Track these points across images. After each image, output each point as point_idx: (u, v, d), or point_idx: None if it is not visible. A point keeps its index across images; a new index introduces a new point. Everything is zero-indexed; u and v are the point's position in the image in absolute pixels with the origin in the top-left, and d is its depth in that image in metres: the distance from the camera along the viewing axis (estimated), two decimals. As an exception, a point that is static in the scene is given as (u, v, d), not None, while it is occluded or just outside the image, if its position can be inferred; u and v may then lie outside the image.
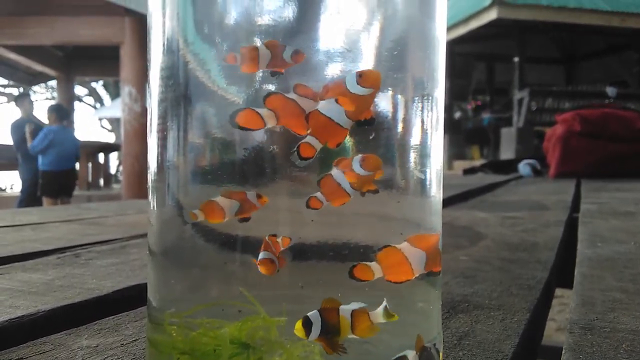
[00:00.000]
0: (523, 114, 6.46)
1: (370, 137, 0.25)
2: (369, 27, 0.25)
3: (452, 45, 7.54)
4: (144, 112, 5.42)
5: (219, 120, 0.26)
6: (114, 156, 11.15)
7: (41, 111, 5.14)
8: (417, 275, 0.26)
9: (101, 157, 8.84)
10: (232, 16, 0.25)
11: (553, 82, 8.92)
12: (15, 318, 0.41)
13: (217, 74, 0.26)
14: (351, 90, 0.24)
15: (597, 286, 0.51)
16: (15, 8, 6.23)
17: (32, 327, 0.41)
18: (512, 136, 6.20)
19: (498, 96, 9.28)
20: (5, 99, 15.59)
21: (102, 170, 8.91)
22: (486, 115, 8.23)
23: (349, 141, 0.25)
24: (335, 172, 0.25)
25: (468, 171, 4.00)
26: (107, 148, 9.14)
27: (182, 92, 0.26)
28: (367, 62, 0.25)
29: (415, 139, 0.27)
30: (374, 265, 0.25)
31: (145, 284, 0.29)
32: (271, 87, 0.25)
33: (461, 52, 8.32)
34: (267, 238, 0.25)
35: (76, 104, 12.20)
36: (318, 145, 0.24)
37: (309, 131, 0.24)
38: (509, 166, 3.74)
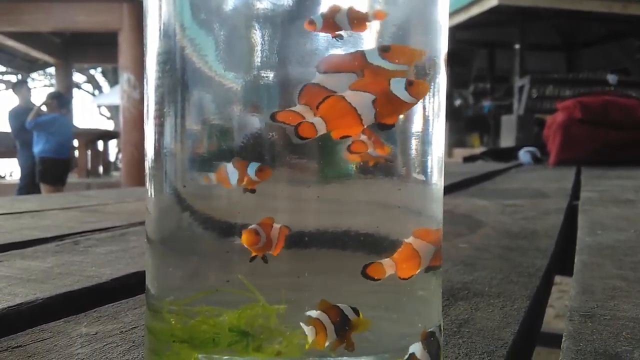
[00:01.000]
0: (523, 101, 6.44)
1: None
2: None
3: (453, 32, 7.49)
4: (142, 99, 5.38)
5: (216, 107, 0.26)
6: (113, 144, 11.12)
7: (39, 98, 5.12)
8: (423, 269, 0.26)
9: (100, 144, 8.82)
10: (229, 0, 0.25)
11: (554, 69, 8.88)
12: (14, 305, 0.41)
13: (214, 60, 0.25)
14: (373, 62, 0.23)
15: (597, 274, 0.51)
16: (12, -6, 6.18)
17: (31, 314, 0.41)
18: (512, 124, 6.18)
19: (499, 83, 9.25)
20: (3, 86, 15.54)
21: (101, 157, 8.89)
22: (486, 103, 8.20)
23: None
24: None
25: (468, 159, 3.99)
26: (106, 135, 9.12)
27: (178, 78, 0.26)
28: (368, 47, 0.25)
29: (417, 126, 0.26)
30: (386, 262, 0.25)
31: (144, 271, 0.29)
32: (270, 74, 0.25)
33: (462, 39, 8.26)
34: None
35: (75, 91, 12.14)
36: (322, 129, 0.23)
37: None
38: (509, 154, 3.73)
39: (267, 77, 0.24)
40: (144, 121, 0.28)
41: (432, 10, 0.27)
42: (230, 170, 0.24)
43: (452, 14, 7.10)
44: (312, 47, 0.24)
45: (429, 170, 0.28)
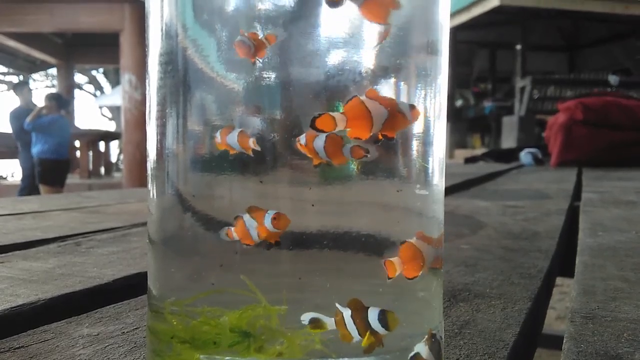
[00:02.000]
0: (525, 102, 6.44)
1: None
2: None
3: (454, 32, 7.49)
4: (144, 100, 5.39)
5: (218, 107, 0.26)
6: (114, 144, 11.14)
7: (41, 99, 5.10)
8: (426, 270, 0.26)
9: (102, 145, 8.83)
10: (232, 1, 0.25)
11: (555, 70, 8.87)
12: (16, 306, 0.41)
13: (216, 61, 0.25)
14: None
15: (598, 275, 0.51)
16: (14, -6, 6.19)
17: (33, 315, 0.41)
18: (513, 125, 6.19)
19: (500, 84, 9.24)
20: (4, 87, 15.56)
21: (102, 158, 8.90)
22: (488, 104, 8.19)
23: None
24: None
25: (469, 160, 3.99)
26: (108, 136, 9.13)
27: (180, 79, 0.26)
28: (369, 48, 0.25)
29: (417, 127, 0.27)
30: (396, 260, 0.25)
31: (146, 272, 0.29)
32: (271, 75, 0.25)
33: (463, 39, 8.26)
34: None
35: (76, 92, 12.16)
36: (342, 124, 0.24)
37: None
38: (511, 155, 3.73)
39: (268, 78, 0.24)
40: (146, 122, 0.29)
41: (434, 11, 0.27)
42: (248, 221, 0.24)
43: (454, 14, 7.10)
44: (313, 47, 0.24)
45: (430, 171, 0.28)
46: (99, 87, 16.77)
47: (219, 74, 0.25)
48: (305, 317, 0.24)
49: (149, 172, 0.28)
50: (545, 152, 3.30)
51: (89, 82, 16.82)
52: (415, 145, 0.26)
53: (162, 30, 0.27)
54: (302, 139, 0.24)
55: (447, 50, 0.29)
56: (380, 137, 0.25)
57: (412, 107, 0.25)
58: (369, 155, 0.24)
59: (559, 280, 0.89)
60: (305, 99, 0.25)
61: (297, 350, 0.25)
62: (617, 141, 2.90)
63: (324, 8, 0.24)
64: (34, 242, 0.67)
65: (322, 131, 0.24)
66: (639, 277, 0.51)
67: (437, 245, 0.27)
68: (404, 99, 0.26)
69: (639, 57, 7.98)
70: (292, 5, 0.24)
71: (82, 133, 7.79)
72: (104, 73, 16.18)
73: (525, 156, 3.34)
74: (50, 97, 5.04)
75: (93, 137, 8.07)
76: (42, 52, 8.35)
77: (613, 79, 5.66)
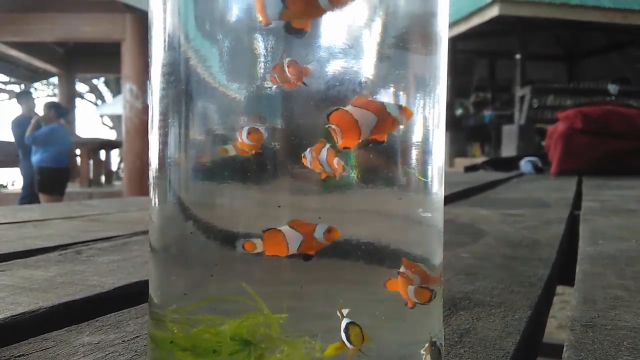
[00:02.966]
0: (525, 111, 6.45)
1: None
2: (371, 23, 0.25)
3: (454, 42, 7.53)
4: (145, 109, 5.42)
5: (220, 117, 0.26)
6: (115, 153, 11.15)
7: (41, 108, 5.11)
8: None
9: (102, 154, 8.84)
10: (234, 12, 0.25)
11: (555, 79, 8.90)
12: (17, 314, 0.41)
13: (218, 71, 0.26)
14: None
15: (598, 284, 0.51)
16: (17, 5, 6.23)
17: (34, 323, 0.41)
18: (513, 133, 6.19)
19: (500, 93, 9.26)
20: (6, 96, 15.60)
21: (103, 167, 8.90)
22: (488, 113, 8.21)
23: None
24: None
25: (469, 168, 4.00)
26: (109, 145, 9.14)
27: (183, 89, 0.26)
28: (369, 58, 0.25)
29: (417, 136, 0.27)
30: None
31: (147, 280, 0.29)
32: (273, 85, 0.25)
33: (463, 49, 8.30)
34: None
35: (77, 100, 12.19)
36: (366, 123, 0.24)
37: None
38: (511, 163, 3.73)
39: (270, 87, 0.25)
40: (149, 131, 0.29)
41: (432, 22, 0.28)
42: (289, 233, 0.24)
43: (453, 24, 7.14)
44: (314, 57, 0.25)
45: (429, 179, 0.28)
46: (100, 96, 16.82)
47: (221, 84, 0.26)
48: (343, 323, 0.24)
49: (151, 180, 0.29)
50: (545, 161, 3.31)
51: (90, 91, 16.87)
52: (414, 153, 0.27)
53: (164, 40, 0.27)
54: (308, 154, 0.24)
55: (446, 59, 0.29)
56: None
57: (400, 107, 0.25)
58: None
59: (560, 289, 0.89)
60: (306, 108, 0.25)
61: (297, 359, 0.25)
62: (616, 150, 2.90)
63: (325, 18, 0.25)
64: (35, 250, 0.67)
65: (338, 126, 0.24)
66: (638, 285, 0.51)
67: (427, 274, 0.27)
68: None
69: (638, 66, 8.01)
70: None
71: (83, 142, 7.80)
72: (105, 82, 16.23)
73: (525, 165, 3.34)
74: (49, 106, 5.04)
75: (94, 146, 8.09)
76: (43, 61, 8.39)
77: (612, 88, 5.68)
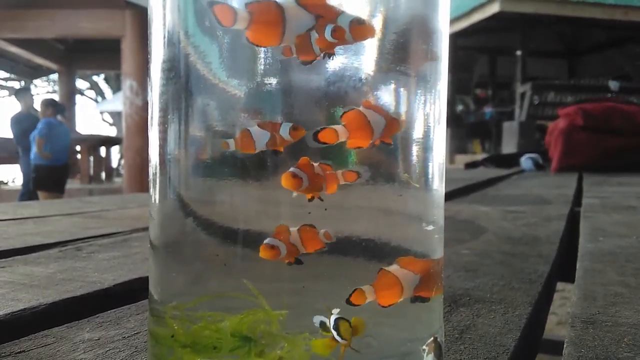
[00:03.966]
0: (525, 107, 6.44)
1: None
2: (371, 19, 0.25)
3: (454, 38, 7.51)
4: (145, 105, 5.42)
5: (220, 113, 0.26)
6: (115, 150, 11.15)
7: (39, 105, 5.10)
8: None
9: (103, 150, 8.84)
10: (233, 8, 0.25)
11: (556, 75, 8.89)
12: (17, 311, 0.41)
13: (218, 67, 0.26)
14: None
15: (598, 280, 0.51)
16: (16, 1, 6.22)
17: (34, 320, 0.41)
18: (514, 130, 6.19)
19: (500, 90, 9.25)
20: (6, 92, 15.60)
21: (103, 163, 8.91)
22: (488, 109, 8.20)
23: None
24: None
25: (470, 165, 3.99)
26: (109, 141, 9.15)
27: (183, 85, 0.26)
28: (369, 54, 0.25)
29: (417, 133, 0.27)
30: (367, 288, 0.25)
31: (147, 277, 0.29)
32: (274, 81, 0.25)
33: (463, 45, 8.28)
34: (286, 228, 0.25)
35: (77, 97, 12.18)
36: (343, 137, 0.24)
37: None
38: (511, 160, 3.73)
39: (270, 84, 0.25)
40: (149, 128, 0.29)
41: (433, 18, 0.28)
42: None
43: (454, 20, 7.12)
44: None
45: (430, 176, 0.28)
46: (100, 92, 16.81)
47: (221, 80, 0.26)
48: (316, 320, 0.24)
49: (151, 177, 0.28)
50: (545, 158, 3.31)
51: (90, 88, 16.87)
52: (415, 150, 0.27)
53: (164, 37, 0.27)
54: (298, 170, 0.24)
55: (447, 56, 0.29)
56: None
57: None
58: (361, 177, 0.25)
59: (560, 285, 0.89)
60: (306, 105, 0.25)
61: (297, 355, 0.25)
62: (617, 146, 2.90)
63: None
64: (35, 247, 0.67)
65: (325, 144, 0.24)
66: (639, 282, 0.51)
67: (427, 270, 0.27)
68: (403, 105, 0.26)
69: (638, 63, 8.00)
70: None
71: (83, 138, 7.81)
72: (105, 79, 16.22)
73: (525, 161, 3.34)
74: (46, 103, 5.02)
75: (94, 143, 8.09)
76: (43, 57, 8.38)
77: (613, 84, 5.67)
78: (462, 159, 6.07)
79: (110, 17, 6.22)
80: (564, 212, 1.07)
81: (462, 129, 8.15)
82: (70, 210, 1.09)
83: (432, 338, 0.27)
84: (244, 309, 0.25)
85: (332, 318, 0.24)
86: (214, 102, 0.26)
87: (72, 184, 6.41)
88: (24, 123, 4.97)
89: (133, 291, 0.49)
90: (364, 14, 0.25)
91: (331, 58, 0.24)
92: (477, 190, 1.69)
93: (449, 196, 1.41)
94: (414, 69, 0.27)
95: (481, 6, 6.85)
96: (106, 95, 16.31)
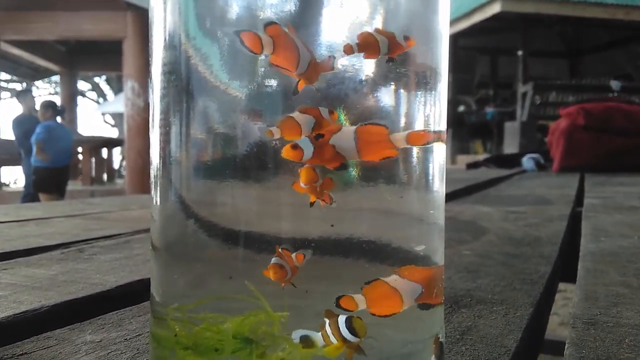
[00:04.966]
0: (527, 107, 6.44)
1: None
2: (372, 20, 0.25)
3: (455, 38, 7.51)
4: (146, 107, 5.43)
5: (221, 115, 0.26)
6: (117, 151, 11.16)
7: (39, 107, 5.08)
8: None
9: (104, 152, 8.85)
10: (234, 10, 0.25)
11: (557, 75, 8.88)
12: (19, 313, 0.41)
13: (219, 69, 0.26)
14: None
15: (600, 281, 0.51)
16: (18, 3, 6.23)
17: (36, 322, 0.41)
18: (515, 130, 6.19)
19: (502, 90, 9.24)
20: (8, 94, 15.62)
21: (105, 165, 8.92)
22: (490, 109, 8.19)
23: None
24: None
25: (471, 165, 3.99)
26: (111, 143, 9.16)
27: (184, 87, 0.26)
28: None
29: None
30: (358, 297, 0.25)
31: (149, 278, 0.30)
32: (274, 81, 0.25)
33: (465, 45, 8.28)
34: (279, 250, 0.25)
35: (79, 99, 12.19)
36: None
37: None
38: (513, 160, 3.72)
39: (271, 85, 0.25)
40: (150, 129, 0.29)
41: (433, 19, 0.28)
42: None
43: (454, 20, 7.12)
44: (315, 55, 0.25)
45: (430, 177, 0.28)
46: (101, 94, 16.84)
47: (222, 82, 0.26)
48: (296, 335, 0.24)
49: (153, 179, 0.29)
50: (547, 158, 3.30)
51: (92, 89, 16.89)
52: (415, 150, 0.27)
53: (165, 39, 0.27)
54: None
55: (447, 56, 0.29)
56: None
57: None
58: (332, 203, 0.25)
59: (562, 286, 0.89)
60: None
61: (299, 357, 0.25)
62: (619, 146, 2.90)
63: (325, 16, 0.25)
64: (37, 248, 0.67)
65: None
66: (641, 282, 0.51)
67: (427, 278, 0.27)
68: (403, 106, 0.26)
69: (640, 63, 7.99)
70: (294, 13, 0.24)
71: (84, 140, 7.82)
72: (107, 80, 16.25)
73: (527, 162, 3.34)
74: (46, 105, 5.00)
75: (95, 144, 8.10)
76: (45, 59, 8.40)
77: (615, 84, 5.66)
78: (463, 159, 6.07)
79: (111, 18, 6.23)
80: (565, 212, 1.07)
81: (463, 129, 8.14)
82: (72, 212, 1.09)
83: (435, 339, 0.27)
84: (245, 310, 0.25)
85: (341, 318, 0.24)
86: (215, 104, 0.26)
87: (74, 186, 6.42)
88: (25, 125, 4.97)
89: (135, 293, 0.49)
90: (364, 15, 0.25)
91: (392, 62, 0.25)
92: (479, 190, 1.69)
93: (451, 197, 1.41)
94: (413, 70, 0.27)
95: (482, 6, 6.85)
96: (108, 97, 16.33)
